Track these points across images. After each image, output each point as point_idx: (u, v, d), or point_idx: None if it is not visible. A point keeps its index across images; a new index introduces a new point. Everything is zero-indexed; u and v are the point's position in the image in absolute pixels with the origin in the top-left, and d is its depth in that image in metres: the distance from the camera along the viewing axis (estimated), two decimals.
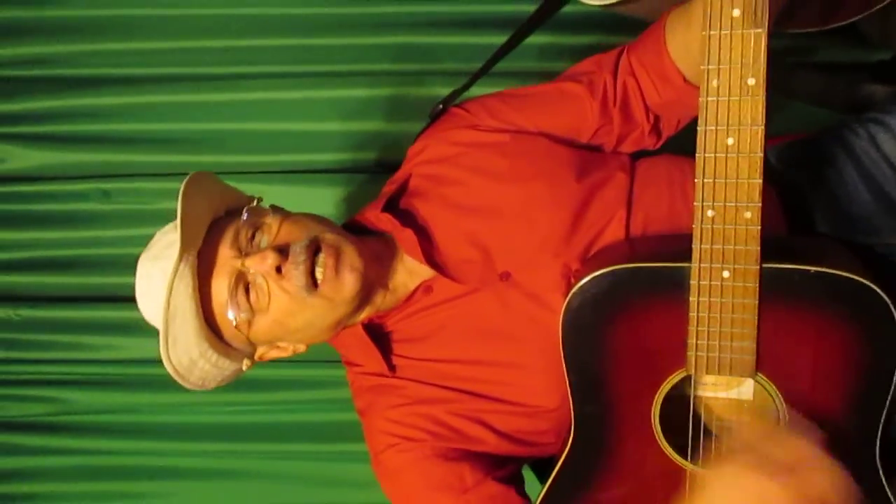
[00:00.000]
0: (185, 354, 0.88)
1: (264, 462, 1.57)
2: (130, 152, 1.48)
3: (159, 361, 1.54)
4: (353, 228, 1.01)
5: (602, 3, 1.20)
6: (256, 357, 0.98)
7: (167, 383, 1.47)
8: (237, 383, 1.49)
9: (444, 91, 1.15)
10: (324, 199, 1.41)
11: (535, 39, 1.35)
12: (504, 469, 0.93)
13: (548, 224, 0.92)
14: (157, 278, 0.88)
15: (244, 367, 0.97)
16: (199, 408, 1.56)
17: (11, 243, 1.51)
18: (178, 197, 0.87)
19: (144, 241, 1.01)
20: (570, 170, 0.94)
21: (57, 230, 1.50)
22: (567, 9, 1.17)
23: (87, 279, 1.52)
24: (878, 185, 0.94)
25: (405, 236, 0.95)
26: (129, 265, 1.00)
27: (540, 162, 0.96)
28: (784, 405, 0.79)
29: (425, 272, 0.96)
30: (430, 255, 0.95)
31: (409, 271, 0.97)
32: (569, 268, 0.89)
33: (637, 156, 1.02)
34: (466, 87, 1.10)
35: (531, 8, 1.17)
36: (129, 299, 1.47)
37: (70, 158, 1.49)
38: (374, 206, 1.02)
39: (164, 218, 1.05)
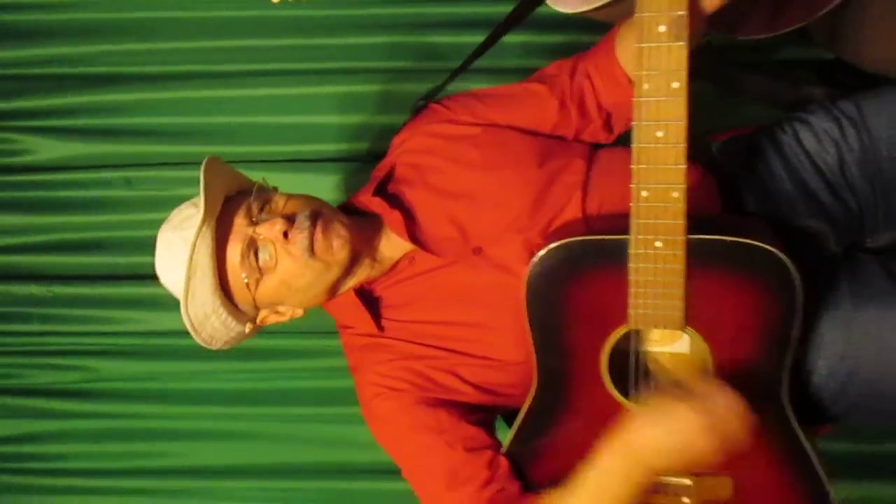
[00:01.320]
0: (201, 308, 1.02)
1: (272, 424, 1.67)
2: (150, 143, 1.59)
3: (178, 333, 1.69)
4: (348, 210, 1.14)
5: (572, 10, 1.34)
6: (259, 320, 1.11)
7: (185, 353, 1.66)
8: (247, 353, 1.65)
9: (429, 86, 1.26)
10: (324, 185, 1.53)
11: (511, 39, 1.49)
12: (477, 415, 1.06)
13: (514, 205, 1.05)
14: (177, 245, 1.02)
15: (247, 331, 1.10)
16: (213, 375, 1.66)
17: (43, 227, 1.63)
18: (200, 174, 1.01)
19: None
20: (534, 158, 1.07)
21: (84, 215, 1.62)
22: (541, 11, 1.30)
23: (113, 259, 1.64)
24: (799, 176, 1.06)
25: (392, 217, 1.09)
26: (151, 246, 1.12)
27: (508, 151, 1.09)
28: (710, 353, 0.93)
29: (409, 246, 1.09)
30: (414, 233, 1.09)
31: (395, 246, 1.11)
32: (532, 242, 1.02)
33: (600, 147, 1.15)
34: (445, 84, 1.24)
35: (508, 10, 1.31)
36: (151, 277, 1.60)
37: (95, 150, 1.60)
38: (366, 190, 1.15)
39: (181, 202, 1.17)
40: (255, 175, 1.28)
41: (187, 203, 1.08)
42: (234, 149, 1.58)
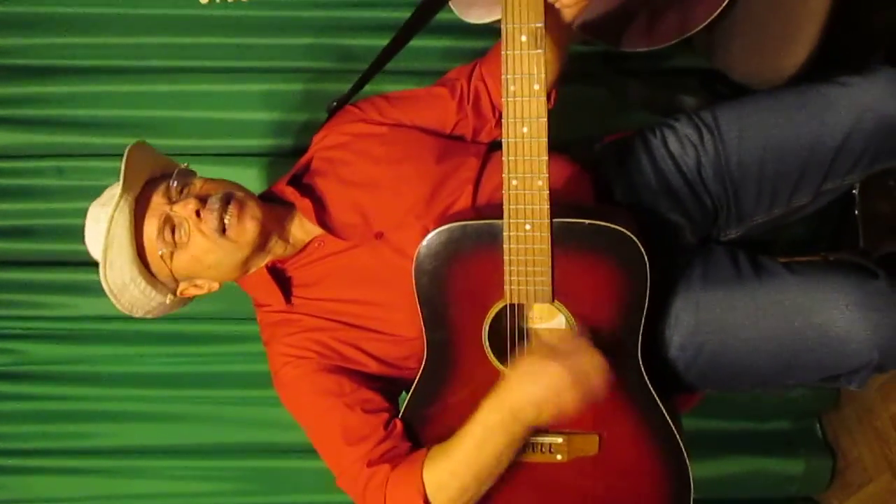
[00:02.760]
0: (119, 277, 1.10)
1: (198, 406, 1.74)
2: (83, 135, 1.64)
3: (106, 318, 1.76)
4: (267, 197, 1.24)
5: (476, 20, 1.46)
6: (178, 292, 1.20)
7: (114, 337, 1.72)
8: (175, 337, 1.72)
9: (347, 86, 1.35)
10: (249, 178, 1.60)
11: (432, 43, 1.60)
12: (376, 383, 1.16)
13: (412, 196, 1.16)
14: (102, 219, 1.11)
15: (167, 301, 1.18)
16: (142, 359, 1.72)
17: None
18: (123, 154, 1.09)
19: None
20: (433, 155, 1.19)
21: (17, 202, 1.66)
22: (457, 19, 1.41)
23: (44, 245, 1.68)
24: (664, 175, 1.20)
25: (303, 204, 1.19)
26: (78, 233, 1.20)
27: (410, 148, 1.21)
28: (575, 323, 1.05)
29: (318, 231, 1.19)
30: (322, 218, 1.19)
31: (306, 231, 1.21)
32: (427, 229, 1.11)
33: (495, 147, 1.26)
34: (355, 88, 1.34)
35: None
36: (82, 263, 1.67)
37: (29, 139, 1.64)
38: (282, 180, 1.26)
39: None
40: None
41: (117, 182, 1.16)
42: (164, 141, 1.57)
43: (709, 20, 1.30)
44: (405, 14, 1.54)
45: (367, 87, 1.40)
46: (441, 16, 1.35)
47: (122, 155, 1.57)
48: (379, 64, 1.34)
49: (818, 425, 1.85)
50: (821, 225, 1.50)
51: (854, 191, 1.36)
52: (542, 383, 0.98)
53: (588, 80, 1.55)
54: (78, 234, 1.24)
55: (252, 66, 1.65)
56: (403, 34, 1.30)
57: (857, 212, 1.34)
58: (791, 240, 1.32)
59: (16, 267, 1.70)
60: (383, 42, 1.59)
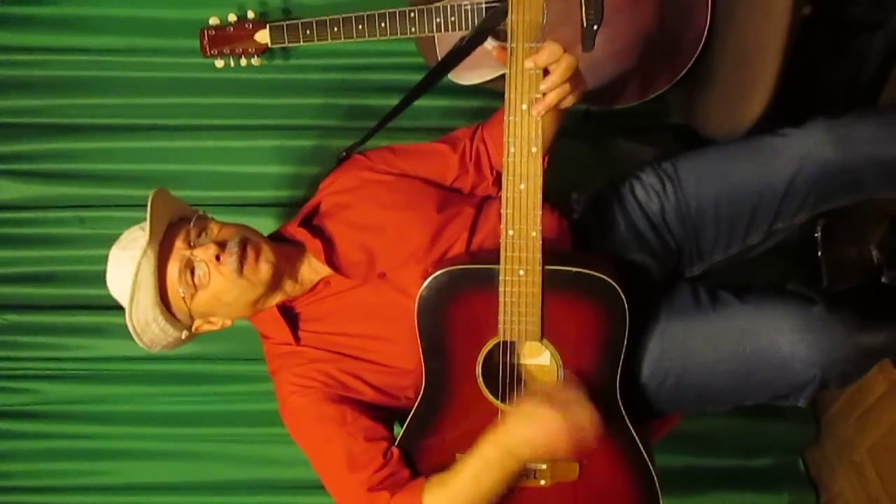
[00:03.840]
0: (143, 315, 1.20)
1: (207, 444, 1.82)
2: (103, 187, 1.75)
3: (121, 359, 1.84)
4: (276, 237, 1.35)
5: (468, 82, 1.60)
6: (194, 328, 1.29)
7: (128, 377, 1.82)
8: (185, 377, 1.81)
9: (353, 141, 1.47)
10: (260, 227, 1.63)
11: (432, 102, 1.73)
12: (377, 412, 1.25)
13: (415, 241, 1.27)
14: (124, 261, 1.21)
15: (183, 337, 1.28)
16: (154, 398, 1.81)
17: (2, 260, 1.76)
18: (147, 204, 1.19)
19: None
20: (434, 203, 1.31)
21: (40, 250, 1.77)
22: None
23: (65, 290, 1.78)
24: (631, 220, 1.32)
25: (314, 245, 1.30)
26: (100, 279, 1.29)
27: (413, 197, 1.32)
28: (560, 363, 1.15)
29: (326, 270, 1.30)
30: (331, 259, 1.29)
31: (314, 269, 1.31)
32: (427, 271, 1.22)
33: (489, 198, 1.38)
34: (363, 140, 1.46)
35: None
36: (100, 307, 1.76)
37: (53, 191, 1.75)
38: (293, 222, 1.37)
39: None
40: None
41: (135, 227, 1.27)
42: (180, 193, 1.61)
43: (669, 85, 1.45)
44: (404, 76, 1.73)
45: (373, 141, 1.51)
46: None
47: (140, 206, 1.67)
48: (386, 120, 1.46)
49: (801, 461, 1.93)
50: (775, 260, 1.62)
51: (816, 234, 1.48)
52: (540, 428, 1.08)
53: (566, 135, 1.68)
54: (97, 279, 1.32)
55: (262, 123, 1.77)
56: (411, 96, 1.42)
57: (819, 254, 1.47)
58: (747, 273, 1.43)
59: (37, 311, 1.79)
60: (384, 102, 1.69)
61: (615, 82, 1.50)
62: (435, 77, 1.41)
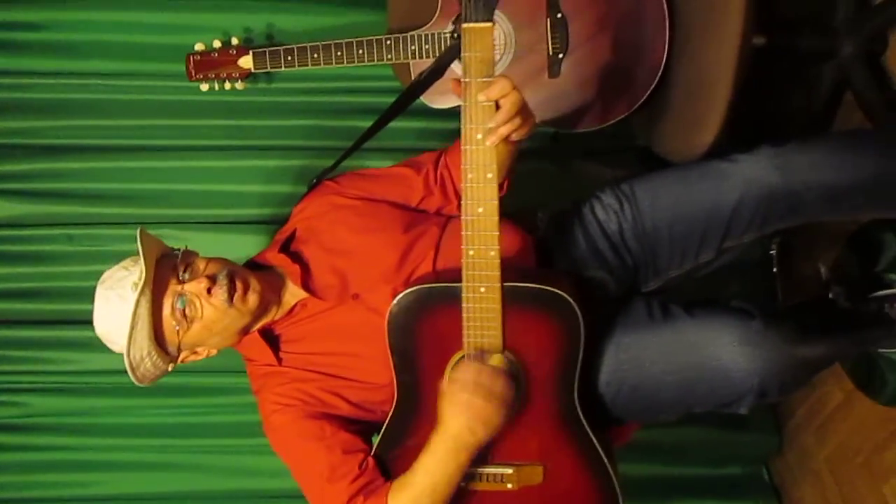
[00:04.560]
0: (139, 352, 1.27)
1: (192, 455, 1.87)
2: (92, 206, 1.79)
3: (107, 372, 1.89)
4: (253, 265, 1.42)
5: (441, 106, 1.67)
6: (179, 360, 1.36)
7: (113, 390, 1.87)
8: (170, 390, 1.86)
9: (331, 162, 1.54)
10: (242, 243, 1.76)
11: (406, 124, 1.79)
12: (354, 426, 1.32)
13: (384, 262, 1.34)
14: (114, 301, 1.27)
15: (169, 369, 1.35)
16: (139, 410, 1.86)
17: None
18: (138, 247, 1.26)
19: (100, 276, 1.34)
20: (400, 225, 1.38)
21: (29, 266, 1.81)
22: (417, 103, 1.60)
23: (53, 306, 1.82)
24: (591, 238, 1.39)
25: (292, 270, 1.37)
26: (86, 295, 1.35)
27: (380, 220, 1.39)
28: (523, 370, 1.22)
29: (303, 294, 1.37)
30: (307, 283, 1.36)
31: (292, 294, 1.39)
32: (397, 290, 1.28)
33: (452, 217, 1.44)
34: (333, 166, 1.53)
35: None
36: (87, 322, 1.81)
37: (42, 210, 1.79)
38: (271, 249, 1.44)
39: (116, 257, 1.36)
40: (186, 235, 1.63)
41: (117, 266, 1.33)
42: (168, 211, 1.81)
43: (630, 111, 1.53)
44: (382, 99, 1.77)
45: (348, 163, 1.58)
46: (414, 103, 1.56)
47: (127, 223, 1.78)
48: (356, 145, 1.54)
49: (765, 470, 2.01)
50: (734, 275, 1.71)
51: (772, 252, 1.56)
52: (464, 411, 1.16)
53: (530, 155, 1.75)
54: (84, 295, 1.37)
55: (245, 144, 1.83)
56: (382, 120, 1.50)
57: (774, 270, 1.54)
58: (710, 289, 1.50)
59: (25, 325, 1.84)
60: (364, 123, 1.74)
61: (579, 107, 1.57)
62: (399, 108, 1.48)
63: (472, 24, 1.06)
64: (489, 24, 1.06)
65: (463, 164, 1.13)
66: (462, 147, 1.12)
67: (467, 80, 1.09)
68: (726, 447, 1.97)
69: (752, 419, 1.94)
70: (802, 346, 1.21)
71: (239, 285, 1.29)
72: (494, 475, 1.27)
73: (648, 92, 1.50)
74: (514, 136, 1.16)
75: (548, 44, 1.56)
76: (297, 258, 1.39)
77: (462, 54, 1.08)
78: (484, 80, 1.09)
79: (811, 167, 1.27)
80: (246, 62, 1.69)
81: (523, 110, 1.13)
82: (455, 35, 1.56)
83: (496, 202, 1.13)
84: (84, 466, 1.87)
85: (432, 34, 1.62)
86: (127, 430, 1.87)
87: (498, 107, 1.11)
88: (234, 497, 1.91)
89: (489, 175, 1.12)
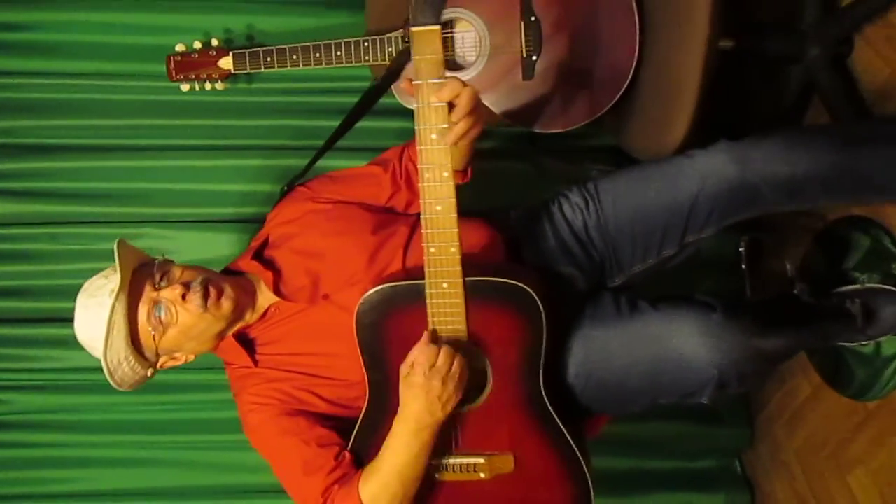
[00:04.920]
0: (116, 356, 1.30)
1: (173, 451, 1.89)
2: (75, 205, 1.80)
3: (90, 370, 1.91)
4: (229, 271, 1.46)
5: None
6: (158, 366, 1.39)
7: (96, 388, 1.89)
8: (152, 386, 1.85)
9: (307, 161, 1.58)
10: (221, 241, 1.79)
11: (375, 125, 1.79)
12: (329, 422, 1.35)
13: (353, 263, 1.37)
14: (93, 308, 1.30)
15: (148, 374, 1.38)
16: (121, 407, 1.87)
17: None
18: (115, 255, 1.29)
19: (83, 274, 1.40)
20: (369, 227, 1.41)
21: (12, 265, 1.81)
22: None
23: (37, 304, 1.83)
24: (559, 235, 1.42)
25: (266, 276, 1.40)
26: (69, 293, 1.38)
27: (350, 222, 1.42)
28: (488, 361, 1.25)
29: (275, 298, 1.40)
30: (279, 287, 1.40)
31: (266, 297, 1.42)
32: (366, 290, 1.30)
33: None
34: (304, 171, 1.56)
35: (388, 101, 1.62)
36: (68, 320, 1.84)
37: (25, 209, 1.80)
38: (245, 255, 1.47)
39: (99, 256, 1.40)
40: (167, 233, 1.67)
41: (97, 276, 1.37)
42: (148, 210, 1.83)
43: (601, 112, 1.56)
44: (355, 99, 1.74)
45: (323, 163, 1.61)
46: (393, 102, 1.61)
47: (109, 222, 1.80)
48: (323, 150, 1.57)
49: (738, 462, 2.04)
50: (705, 272, 1.74)
51: (741, 248, 1.60)
52: (421, 394, 1.19)
53: (508, 156, 1.78)
54: (68, 293, 1.39)
55: (226, 143, 1.85)
56: (345, 124, 1.53)
57: (743, 266, 1.58)
58: (672, 285, 1.53)
59: (9, 324, 1.85)
60: (336, 122, 1.75)
61: (553, 108, 1.60)
62: (361, 111, 1.53)
63: (419, 28, 1.08)
64: (436, 27, 1.07)
65: (419, 164, 1.15)
66: (417, 148, 1.14)
67: (419, 82, 1.11)
68: (700, 440, 2.00)
69: (725, 413, 1.97)
70: (761, 339, 1.24)
71: (213, 291, 1.32)
72: (466, 465, 1.31)
73: (620, 93, 1.53)
74: (469, 135, 1.18)
75: (521, 46, 1.59)
76: (269, 264, 1.43)
77: (412, 57, 1.10)
78: (435, 81, 1.10)
79: (767, 160, 1.30)
80: (226, 63, 1.71)
81: (476, 108, 1.15)
82: (405, 39, 1.58)
83: (454, 200, 1.15)
84: (69, 463, 1.88)
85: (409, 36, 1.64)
86: (112, 427, 1.88)
87: (452, 106, 1.13)
88: (219, 492, 1.92)
89: (445, 174, 1.14)
